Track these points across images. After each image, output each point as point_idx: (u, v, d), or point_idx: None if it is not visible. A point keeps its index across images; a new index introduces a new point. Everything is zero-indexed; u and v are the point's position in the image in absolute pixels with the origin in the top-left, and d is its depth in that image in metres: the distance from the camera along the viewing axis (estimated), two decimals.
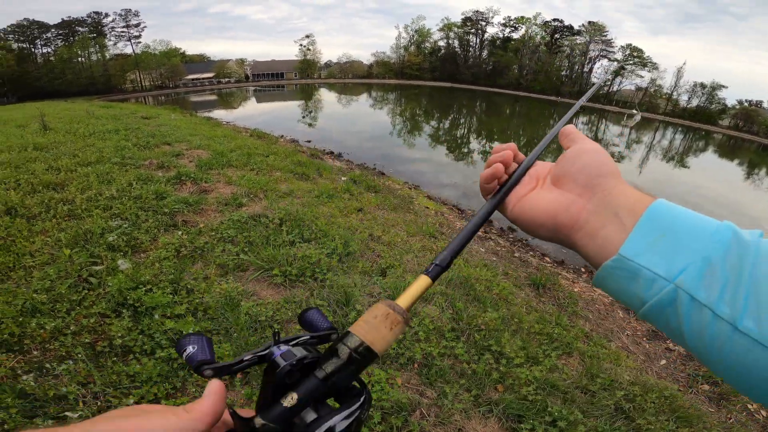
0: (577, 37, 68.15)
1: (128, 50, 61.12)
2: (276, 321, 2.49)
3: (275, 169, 6.09)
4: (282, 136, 12.92)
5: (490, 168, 0.46)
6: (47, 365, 1.91)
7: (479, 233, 5.72)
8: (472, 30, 74.56)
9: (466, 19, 74.39)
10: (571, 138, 0.45)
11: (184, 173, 4.92)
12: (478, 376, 2.37)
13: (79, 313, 2.26)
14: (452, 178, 10.40)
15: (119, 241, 3.07)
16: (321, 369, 0.35)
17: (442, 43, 77.26)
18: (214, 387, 0.34)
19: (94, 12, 59.66)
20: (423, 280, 0.40)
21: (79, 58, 56.01)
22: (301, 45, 74.12)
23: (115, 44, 60.47)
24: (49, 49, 56.76)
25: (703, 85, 59.14)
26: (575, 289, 4.24)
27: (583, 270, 5.39)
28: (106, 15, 60.36)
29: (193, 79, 64.69)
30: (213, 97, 44.87)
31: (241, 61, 72.42)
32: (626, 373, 2.77)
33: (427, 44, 76.91)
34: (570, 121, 0.51)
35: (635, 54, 63.78)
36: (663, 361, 3.23)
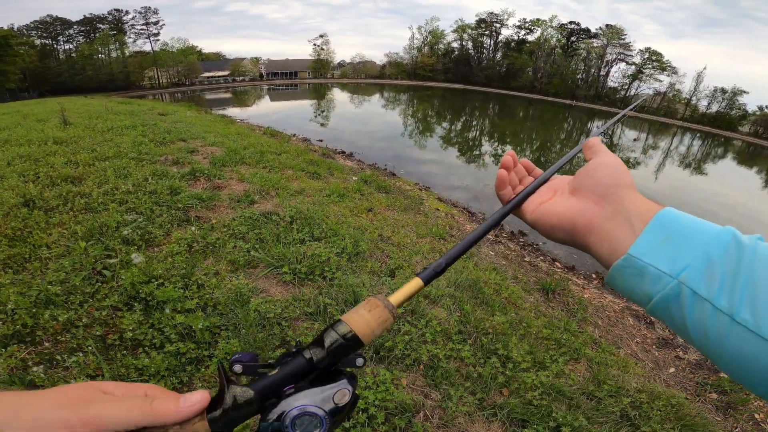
0: (594, 40, 67.26)
1: (147, 47, 62.28)
2: (284, 319, 2.51)
3: (287, 168, 6.15)
4: (294, 134, 13.00)
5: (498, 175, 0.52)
6: (58, 357, 1.96)
7: (489, 236, 5.69)
8: (486, 32, 74.09)
9: (481, 21, 73.97)
10: (594, 150, 0.47)
11: (198, 169, 5.00)
12: (483, 380, 2.36)
13: (92, 306, 2.31)
14: (463, 181, 10.36)
15: (133, 235, 3.13)
16: (308, 350, 0.38)
17: (455, 45, 77.04)
18: (197, 398, 0.34)
19: (115, 9, 60.79)
20: (416, 282, 0.42)
21: (100, 55, 57.12)
22: (315, 44, 74.66)
23: (134, 41, 61.69)
24: (71, 46, 58.14)
25: (723, 90, 57.78)
26: (585, 295, 4.20)
27: (593, 276, 5.33)
28: (127, 12, 61.53)
29: (208, 77, 65.53)
30: (228, 95, 45.38)
31: (256, 60, 73.11)
32: (634, 380, 2.73)
33: (441, 45, 76.65)
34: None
35: (654, 58, 62.73)
36: (672, 369, 3.19)
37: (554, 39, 68.81)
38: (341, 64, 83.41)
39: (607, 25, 66.13)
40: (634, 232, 0.38)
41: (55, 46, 57.59)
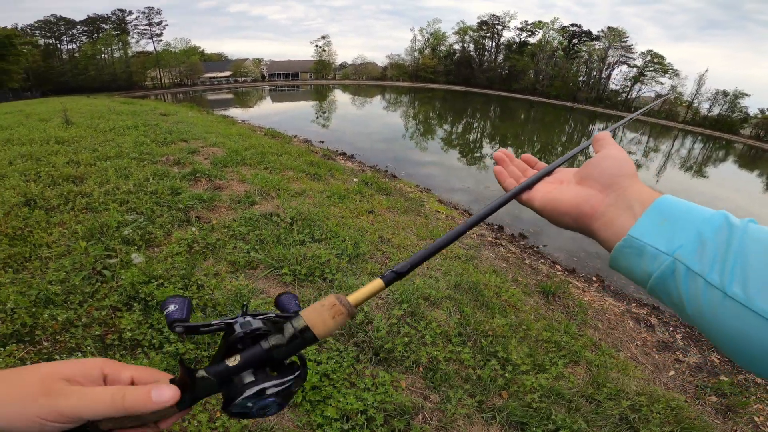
0: (596, 43, 67.16)
1: (150, 48, 62.42)
2: None
3: (288, 169, 6.16)
4: (296, 136, 13.02)
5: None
6: (56, 357, 1.96)
7: (490, 239, 5.69)
8: (488, 34, 74.00)
9: (482, 23, 73.90)
10: (602, 144, 0.50)
11: (199, 170, 5.00)
12: (482, 382, 2.36)
13: (91, 305, 2.31)
14: (464, 183, 10.36)
15: (134, 235, 3.13)
16: (266, 341, 0.40)
17: (457, 47, 76.85)
18: (169, 395, 0.37)
19: (118, 9, 61.00)
20: (376, 283, 0.43)
21: (103, 55, 57.28)
22: (316, 46, 74.67)
23: (137, 42, 61.87)
24: (74, 46, 58.33)
25: (725, 93, 57.66)
26: (585, 298, 4.20)
27: (594, 279, 5.32)
28: (130, 13, 61.78)
29: (210, 78, 65.65)
30: (229, 96, 45.45)
31: (258, 61, 73.24)
32: (633, 383, 2.73)
33: (442, 47, 76.55)
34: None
35: (655, 60, 62.67)
36: (672, 372, 3.18)
37: (556, 41, 68.76)
38: (343, 66, 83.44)
39: (609, 28, 65.98)
40: (635, 217, 0.40)
41: (59, 45, 57.80)
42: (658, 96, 61.89)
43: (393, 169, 10.02)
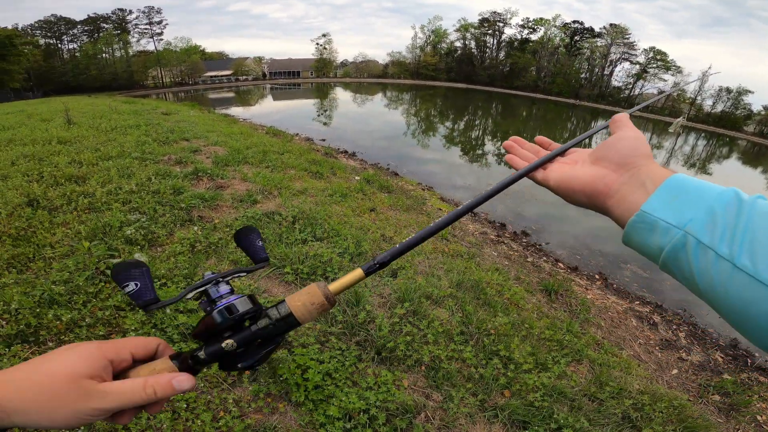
0: (598, 40, 66.88)
1: (150, 47, 62.36)
2: None
3: (290, 167, 6.16)
4: (297, 134, 13.02)
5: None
6: None
7: (492, 237, 5.68)
8: (490, 31, 73.72)
9: (484, 20, 73.60)
10: (618, 125, 0.51)
11: (201, 169, 5.01)
12: (485, 381, 2.36)
13: (95, 306, 2.32)
14: (466, 180, 10.35)
15: (137, 235, 3.14)
16: (255, 324, 0.45)
17: (458, 44, 76.59)
18: (188, 385, 0.43)
19: (118, 9, 60.89)
20: (357, 272, 0.46)
21: (103, 54, 57.25)
22: (317, 44, 74.47)
23: (138, 41, 61.80)
24: (75, 45, 58.28)
25: (728, 90, 57.33)
26: (588, 296, 4.19)
27: (596, 277, 5.32)
28: (130, 12, 61.70)
29: (211, 77, 65.60)
30: (231, 95, 45.47)
31: (259, 59, 73.15)
32: (636, 381, 2.73)
33: (443, 45, 76.31)
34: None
35: (658, 57, 62.36)
36: (675, 371, 3.18)
37: (558, 38, 68.50)
38: (344, 64, 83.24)
39: (611, 25, 65.69)
40: (648, 193, 0.42)
41: (60, 45, 57.78)
42: (661, 92, 61.57)
43: (395, 166, 10.02)
